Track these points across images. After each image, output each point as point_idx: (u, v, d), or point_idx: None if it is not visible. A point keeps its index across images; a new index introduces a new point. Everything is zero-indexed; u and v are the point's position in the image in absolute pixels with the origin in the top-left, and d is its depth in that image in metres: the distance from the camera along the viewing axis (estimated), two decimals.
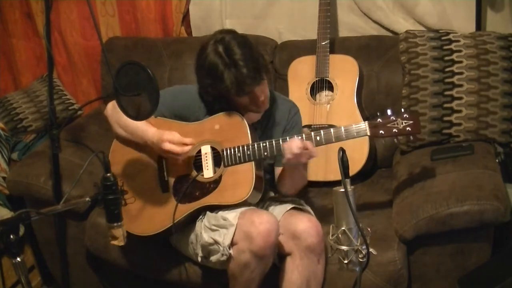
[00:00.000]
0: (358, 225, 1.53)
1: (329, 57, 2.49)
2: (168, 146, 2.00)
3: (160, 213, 2.07)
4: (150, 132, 2.05)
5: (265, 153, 1.98)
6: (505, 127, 2.25)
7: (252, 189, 1.97)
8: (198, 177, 2.04)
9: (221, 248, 1.92)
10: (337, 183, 1.59)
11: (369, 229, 1.67)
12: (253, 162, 1.99)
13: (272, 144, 1.98)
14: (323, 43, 2.49)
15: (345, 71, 2.50)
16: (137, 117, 1.80)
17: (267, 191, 2.25)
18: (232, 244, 1.92)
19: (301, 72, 2.58)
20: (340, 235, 1.54)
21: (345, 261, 1.54)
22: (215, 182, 2.02)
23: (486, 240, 2.02)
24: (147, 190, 2.09)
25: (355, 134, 1.95)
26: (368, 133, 1.93)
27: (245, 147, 1.99)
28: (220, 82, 1.95)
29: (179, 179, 2.08)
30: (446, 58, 2.30)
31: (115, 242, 1.64)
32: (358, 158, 2.40)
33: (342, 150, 1.57)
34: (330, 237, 1.57)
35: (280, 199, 2.19)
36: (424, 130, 2.31)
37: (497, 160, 2.21)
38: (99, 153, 1.63)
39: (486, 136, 2.27)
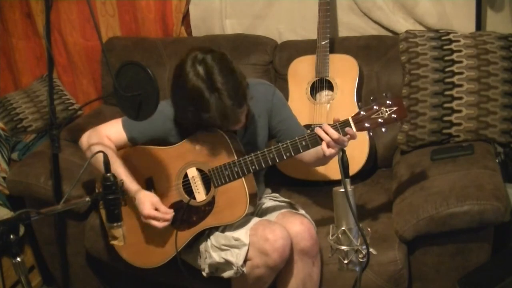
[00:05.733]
0: (358, 225, 1.53)
1: (329, 57, 2.49)
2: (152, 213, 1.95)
3: (161, 243, 2.05)
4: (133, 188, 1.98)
5: (253, 167, 1.92)
6: (505, 127, 2.25)
7: (248, 205, 1.94)
8: (191, 201, 2.00)
9: (235, 268, 1.91)
10: (337, 183, 1.59)
11: (369, 229, 1.67)
12: (243, 178, 1.95)
13: (258, 156, 1.92)
14: (323, 43, 2.49)
15: (345, 71, 2.50)
16: (137, 117, 1.80)
17: (263, 189, 2.25)
18: (245, 260, 1.91)
19: (301, 72, 2.57)
20: (340, 235, 1.54)
21: (345, 261, 1.54)
22: (209, 204, 1.99)
23: (486, 240, 2.02)
24: (145, 223, 2.01)
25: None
26: (354, 129, 1.83)
27: (231, 164, 1.93)
28: (204, 112, 1.82)
29: (172, 206, 2.03)
30: (446, 58, 2.30)
31: (115, 242, 1.64)
32: (358, 157, 2.40)
33: (342, 150, 1.58)
34: (330, 237, 1.57)
35: (274, 199, 2.18)
36: (424, 130, 2.31)
37: (497, 160, 2.21)
38: (99, 153, 1.63)
39: (486, 136, 2.27)
